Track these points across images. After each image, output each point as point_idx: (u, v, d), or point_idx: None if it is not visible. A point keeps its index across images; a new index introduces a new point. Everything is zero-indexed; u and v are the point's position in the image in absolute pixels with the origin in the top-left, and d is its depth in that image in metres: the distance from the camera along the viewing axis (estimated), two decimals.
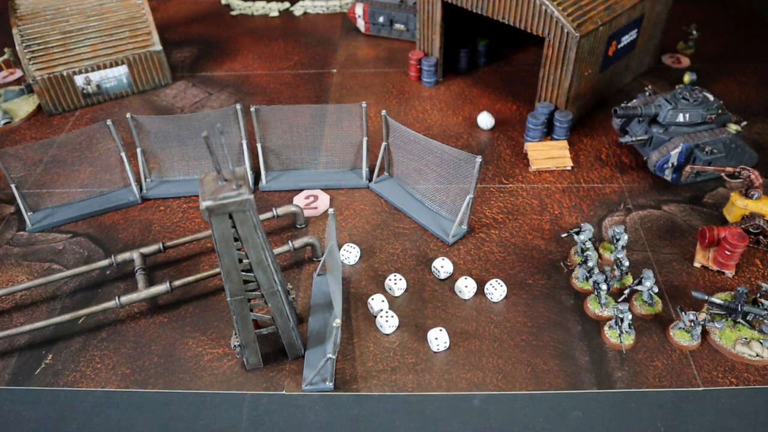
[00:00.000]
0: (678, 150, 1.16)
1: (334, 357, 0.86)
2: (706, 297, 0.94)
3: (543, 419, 0.86)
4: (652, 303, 0.99)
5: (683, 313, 0.93)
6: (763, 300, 0.94)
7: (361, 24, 1.77)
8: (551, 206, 1.19)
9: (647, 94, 1.31)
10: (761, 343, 0.92)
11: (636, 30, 1.40)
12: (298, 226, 1.17)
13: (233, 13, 1.95)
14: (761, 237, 1.08)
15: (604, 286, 0.96)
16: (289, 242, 1.08)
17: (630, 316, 0.93)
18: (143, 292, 1.00)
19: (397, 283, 1.03)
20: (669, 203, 1.19)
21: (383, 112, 1.17)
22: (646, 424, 0.85)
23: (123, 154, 1.21)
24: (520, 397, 0.89)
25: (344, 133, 1.23)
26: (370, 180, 1.25)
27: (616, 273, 1.02)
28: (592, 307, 0.99)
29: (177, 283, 1.02)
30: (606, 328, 0.96)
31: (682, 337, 0.94)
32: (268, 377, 0.92)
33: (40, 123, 1.48)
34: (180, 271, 1.10)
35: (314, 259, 1.11)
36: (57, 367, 0.95)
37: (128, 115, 1.17)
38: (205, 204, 0.70)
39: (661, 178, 1.23)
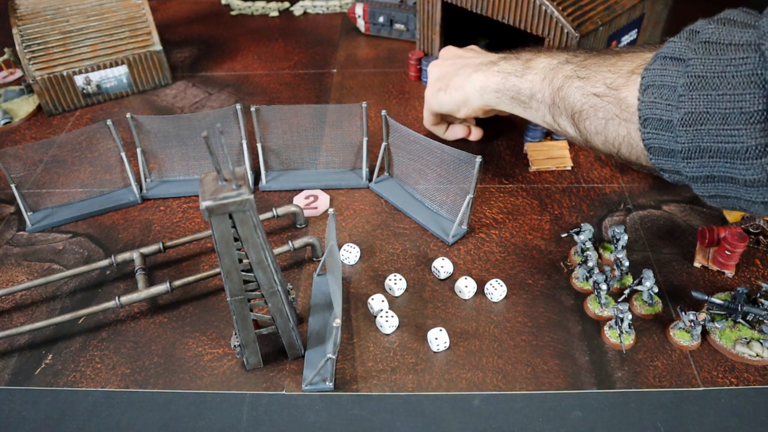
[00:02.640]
0: None
1: (334, 357, 0.86)
2: (706, 297, 0.94)
3: (543, 419, 0.86)
4: (652, 303, 0.99)
5: (683, 313, 0.93)
6: (763, 300, 0.94)
7: (361, 24, 1.77)
8: (551, 206, 1.19)
9: None
10: (761, 343, 0.92)
11: (636, 30, 1.40)
12: (298, 226, 1.17)
13: (233, 13, 1.95)
14: (761, 237, 1.08)
15: (604, 286, 0.96)
16: (289, 242, 1.08)
17: (630, 316, 0.93)
18: (143, 292, 1.00)
19: (397, 283, 1.03)
20: (669, 203, 1.19)
21: (383, 112, 1.17)
22: (646, 424, 0.85)
23: (123, 154, 1.21)
24: (520, 397, 0.89)
25: (344, 133, 1.23)
26: (370, 180, 1.25)
27: (616, 273, 1.02)
28: (592, 307, 0.99)
29: (177, 283, 1.02)
30: (606, 328, 0.96)
31: (682, 337, 0.94)
32: (268, 377, 0.92)
33: (40, 123, 1.48)
34: (180, 271, 1.10)
35: (314, 259, 1.11)
36: (57, 367, 0.95)
37: (128, 115, 1.17)
38: (205, 204, 0.70)
39: (661, 178, 1.23)
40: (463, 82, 1.15)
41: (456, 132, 1.32)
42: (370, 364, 0.94)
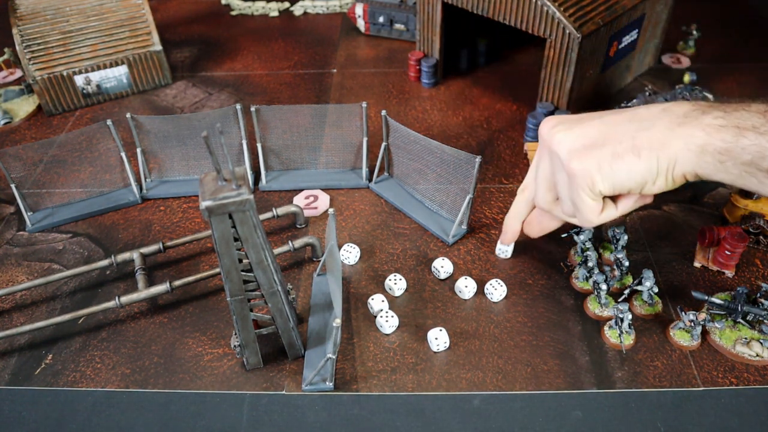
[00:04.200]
0: None
1: (334, 357, 0.86)
2: (706, 297, 0.94)
3: (543, 419, 0.86)
4: (652, 303, 0.99)
5: (683, 313, 0.93)
6: (763, 300, 0.94)
7: (361, 24, 1.77)
8: None
9: (647, 94, 1.31)
10: (761, 343, 0.92)
11: (637, 30, 1.40)
12: (298, 226, 1.17)
13: (233, 13, 1.95)
14: (761, 237, 1.08)
15: (604, 286, 0.96)
16: (289, 242, 1.08)
17: (630, 316, 0.93)
18: (143, 292, 1.00)
19: (397, 283, 1.03)
20: (669, 203, 1.19)
21: (383, 112, 1.17)
22: (646, 424, 0.85)
23: (123, 154, 1.21)
24: (520, 397, 0.89)
25: (344, 133, 1.23)
26: (370, 180, 1.25)
27: (616, 273, 1.02)
28: (592, 307, 0.99)
29: (177, 283, 1.02)
30: (606, 328, 0.96)
31: (682, 337, 0.94)
32: (268, 377, 0.92)
33: (40, 123, 1.48)
34: (180, 271, 1.10)
35: (314, 259, 1.11)
36: (57, 367, 0.95)
37: (128, 115, 1.17)
38: (205, 204, 0.70)
39: None
40: (665, 138, 0.79)
41: (627, 205, 0.89)
42: (370, 364, 0.94)
